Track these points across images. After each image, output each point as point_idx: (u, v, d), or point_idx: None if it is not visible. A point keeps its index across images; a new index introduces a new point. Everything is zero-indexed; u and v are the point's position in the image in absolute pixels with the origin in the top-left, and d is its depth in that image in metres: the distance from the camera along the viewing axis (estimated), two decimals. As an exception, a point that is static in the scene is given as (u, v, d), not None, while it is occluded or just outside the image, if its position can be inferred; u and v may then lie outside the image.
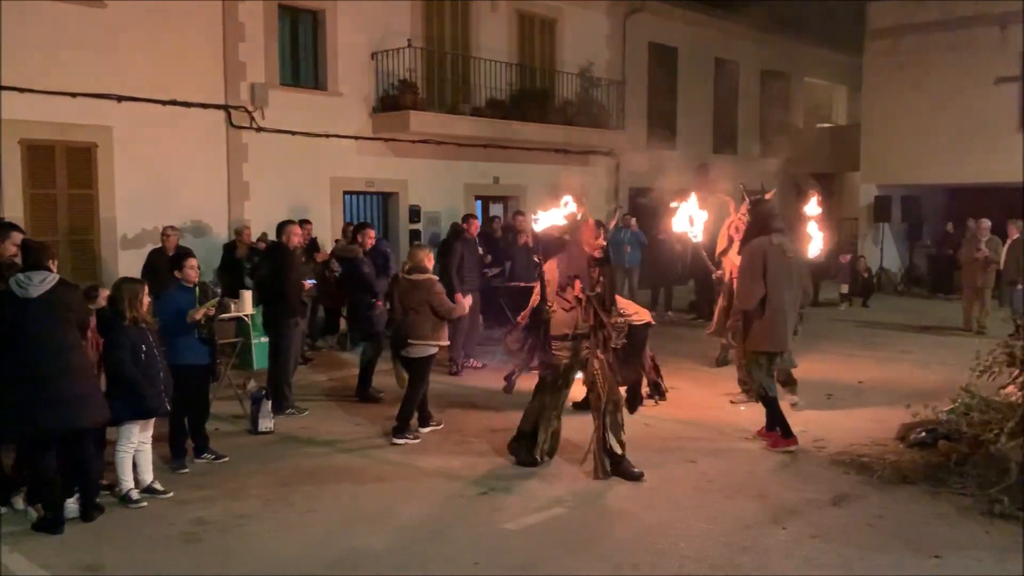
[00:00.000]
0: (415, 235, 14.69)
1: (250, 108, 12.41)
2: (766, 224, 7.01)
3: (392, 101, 13.69)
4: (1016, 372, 6.64)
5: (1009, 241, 12.42)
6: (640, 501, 5.66)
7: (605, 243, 6.17)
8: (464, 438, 7.31)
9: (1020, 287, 12.27)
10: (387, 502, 5.68)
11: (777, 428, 6.89)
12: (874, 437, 7.04)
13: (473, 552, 4.81)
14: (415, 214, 14.61)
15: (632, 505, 5.59)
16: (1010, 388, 6.51)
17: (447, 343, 7.77)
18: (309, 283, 8.81)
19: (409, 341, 7.25)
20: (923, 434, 6.65)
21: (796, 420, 7.52)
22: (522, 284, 10.77)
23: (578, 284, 6.03)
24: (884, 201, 19.45)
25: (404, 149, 14.24)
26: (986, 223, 12.86)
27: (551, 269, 6.20)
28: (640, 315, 7.44)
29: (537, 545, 4.92)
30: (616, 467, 6.11)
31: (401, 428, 7.22)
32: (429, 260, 7.52)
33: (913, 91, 18.73)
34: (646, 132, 18.74)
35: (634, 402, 6.93)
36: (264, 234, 11.68)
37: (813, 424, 7.52)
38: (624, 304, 7.00)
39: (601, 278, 6.14)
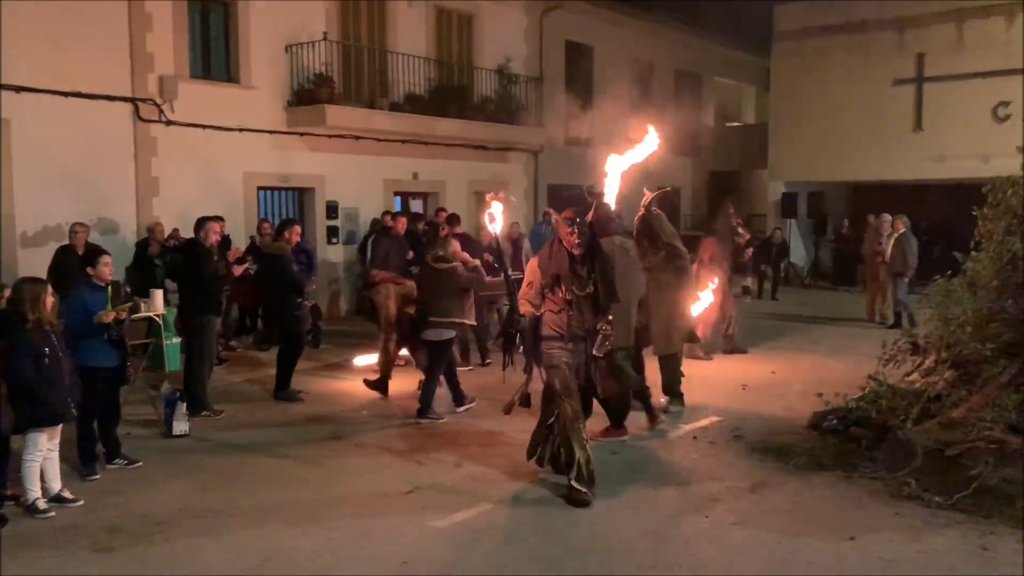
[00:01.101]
0: (332, 232, 14.47)
1: (159, 101, 11.99)
2: (606, 226, 6.98)
3: (308, 95, 13.43)
4: (919, 360, 6.97)
5: (895, 235, 13.01)
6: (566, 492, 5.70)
7: (579, 240, 5.54)
8: (389, 436, 7.23)
9: (906, 279, 12.88)
10: (311, 503, 5.57)
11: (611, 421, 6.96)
12: (789, 425, 7.27)
13: (401, 551, 4.76)
14: (332, 210, 14.39)
15: (556, 501, 5.62)
16: (914, 376, 6.84)
17: (472, 322, 8.26)
18: (241, 268, 8.44)
19: (430, 320, 7.65)
20: (835, 421, 6.90)
21: (716, 410, 7.73)
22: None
23: (563, 284, 5.60)
24: (790, 198, 20.13)
25: (320, 144, 13.99)
26: (887, 218, 13.46)
27: (532, 269, 5.81)
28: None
29: (466, 541, 4.90)
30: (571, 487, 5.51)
31: (423, 409, 7.68)
32: (458, 251, 8.01)
33: (817, 92, 19.43)
34: (564, 129, 18.91)
35: (620, 417, 6.63)
36: (176, 230, 11.31)
37: (730, 414, 7.73)
38: None
39: (592, 276, 5.62)
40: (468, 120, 15.60)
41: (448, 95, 15.59)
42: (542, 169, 18.45)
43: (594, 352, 5.63)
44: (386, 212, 12.56)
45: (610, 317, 5.68)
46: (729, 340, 10.92)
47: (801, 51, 19.92)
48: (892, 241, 13.04)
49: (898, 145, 18.53)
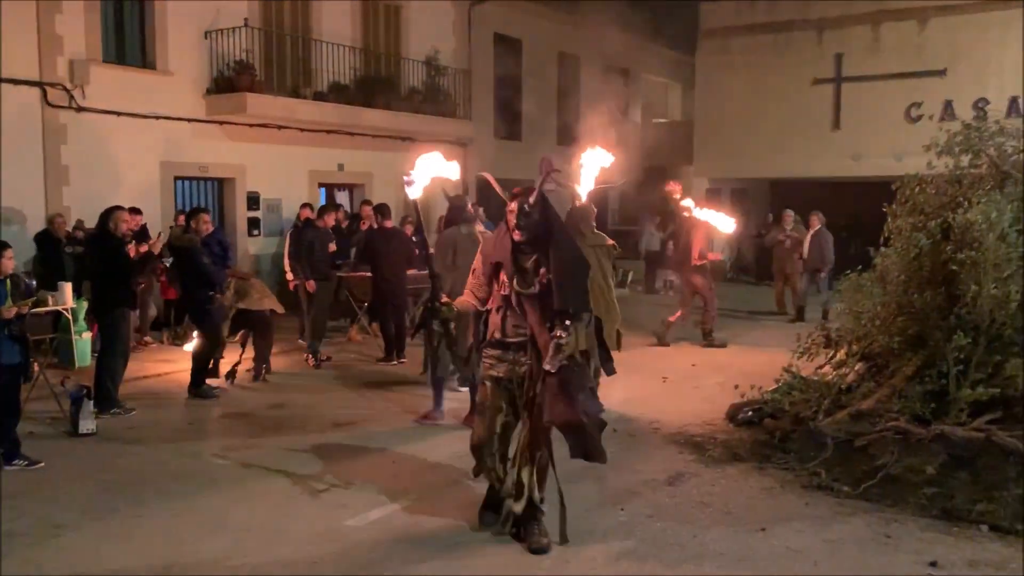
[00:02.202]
0: (254, 223, 14.14)
1: (69, 86, 11.51)
2: (455, 216, 7.50)
3: (228, 83, 13.08)
4: (832, 353, 7.15)
5: (811, 231, 13.38)
6: (483, 491, 5.65)
7: (518, 221, 4.45)
8: (305, 434, 7.09)
9: (823, 275, 13.27)
10: (222, 504, 5.41)
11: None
12: (706, 417, 7.38)
13: (313, 552, 4.66)
14: (254, 201, 14.07)
15: (477, 497, 5.58)
16: (826, 368, 7.01)
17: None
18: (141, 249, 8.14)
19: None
20: (750, 413, 7.04)
21: (636, 402, 7.80)
22: (365, 273, 10.60)
23: (502, 276, 4.53)
24: (715, 194, 20.50)
25: (241, 133, 13.64)
26: (789, 213, 13.87)
27: (478, 254, 4.80)
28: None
29: (380, 541, 4.82)
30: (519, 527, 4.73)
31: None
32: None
33: (741, 90, 19.81)
34: (493, 122, 18.87)
35: (596, 453, 4.58)
36: (80, 222, 10.88)
37: (649, 406, 7.81)
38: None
39: (541, 270, 4.44)
40: (395, 111, 15.43)
41: (375, 85, 15.39)
42: (472, 162, 18.33)
43: (544, 366, 4.29)
44: (305, 204, 12.34)
45: (567, 324, 4.29)
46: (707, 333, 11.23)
47: (725, 49, 20.28)
48: (809, 237, 13.40)
49: (818, 143, 19.04)
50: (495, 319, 4.59)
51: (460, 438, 6.80)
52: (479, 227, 5.23)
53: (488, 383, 4.64)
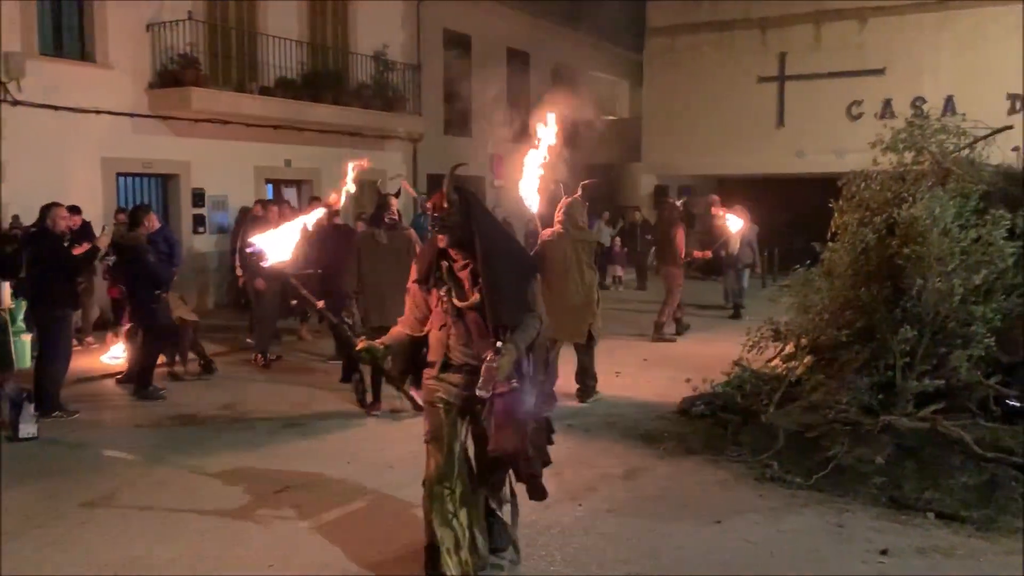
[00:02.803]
0: (199, 220, 13.86)
1: (3, 79, 11.11)
2: (376, 217, 7.71)
3: (171, 77, 12.78)
4: (781, 346, 7.28)
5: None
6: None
7: (435, 224, 3.90)
8: (256, 434, 6.97)
9: (746, 271, 13.52)
10: (174, 507, 5.28)
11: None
12: (659, 411, 7.45)
13: (268, 554, 4.57)
14: (199, 198, 13.78)
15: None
16: (776, 361, 7.13)
17: None
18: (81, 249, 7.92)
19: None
20: (702, 407, 7.12)
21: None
22: (312, 271, 10.45)
23: (434, 291, 3.98)
24: (662, 190, 20.75)
25: (186, 128, 13.34)
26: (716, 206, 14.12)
27: (413, 268, 4.14)
28: None
29: (336, 541, 4.76)
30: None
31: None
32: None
33: (688, 87, 20.08)
34: (442, 118, 18.79)
35: (535, 490, 4.01)
36: (15, 217, 10.53)
37: (603, 401, 7.86)
38: None
39: (478, 280, 3.82)
40: (343, 106, 15.25)
41: (322, 80, 15.19)
42: (422, 158, 18.26)
43: (477, 392, 3.72)
44: (258, 201, 12.14)
45: (499, 345, 3.69)
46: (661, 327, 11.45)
47: (672, 48, 20.52)
48: (737, 233, 13.62)
49: (762, 140, 19.39)
50: (437, 338, 3.99)
51: (416, 436, 6.76)
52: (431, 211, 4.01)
53: (439, 405, 4.00)
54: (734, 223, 11.67)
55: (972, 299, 5.83)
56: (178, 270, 8.83)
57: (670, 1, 20.76)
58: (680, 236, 11.46)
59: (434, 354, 4.02)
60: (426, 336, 4.06)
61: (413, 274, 4.05)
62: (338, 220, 10.10)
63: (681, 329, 11.80)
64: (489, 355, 3.70)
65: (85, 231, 10.41)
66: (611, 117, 26.28)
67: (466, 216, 3.83)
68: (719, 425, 6.76)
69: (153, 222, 8.43)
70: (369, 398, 7.52)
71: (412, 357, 4.14)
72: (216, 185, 13.94)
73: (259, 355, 9.70)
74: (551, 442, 4.10)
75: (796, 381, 6.67)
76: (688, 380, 7.45)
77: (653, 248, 14.35)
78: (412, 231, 8.10)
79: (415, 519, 5.03)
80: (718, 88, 19.69)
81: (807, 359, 6.91)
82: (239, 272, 10.21)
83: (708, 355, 9.78)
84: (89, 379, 8.90)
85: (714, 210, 12.58)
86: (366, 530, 4.93)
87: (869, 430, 5.65)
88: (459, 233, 3.83)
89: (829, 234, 7.16)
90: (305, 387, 8.68)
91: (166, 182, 13.64)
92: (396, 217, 7.75)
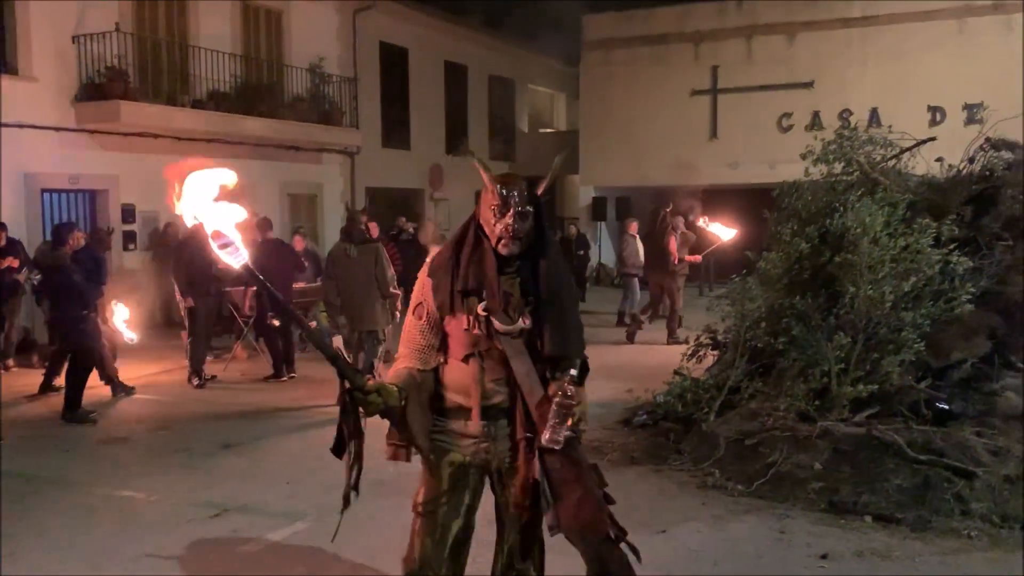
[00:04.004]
0: (129, 237, 13.47)
1: (-82, 91, 10.68)
2: (349, 231, 8.26)
3: (99, 90, 12.43)
4: (720, 354, 7.39)
5: (624, 236, 13.90)
6: (386, 505, 5.54)
7: (515, 224, 2.91)
8: (191, 456, 6.77)
9: (635, 279, 13.74)
10: (105, 536, 5.08)
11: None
12: (602, 421, 7.46)
13: (207, 580, 4.44)
14: (129, 214, 13.40)
15: (379, 512, 5.46)
16: (716, 369, 7.23)
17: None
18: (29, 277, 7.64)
19: None
20: (644, 416, 7.17)
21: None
22: (245, 288, 10.27)
23: (479, 308, 2.91)
24: (600, 202, 20.96)
25: (114, 142, 12.97)
26: (631, 222, 14.35)
27: (420, 286, 3.08)
28: None
29: (278, 564, 4.65)
30: None
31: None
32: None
33: (624, 100, 20.34)
34: (380, 131, 18.69)
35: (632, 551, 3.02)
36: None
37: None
38: None
39: (531, 298, 2.94)
40: (278, 120, 15.04)
41: (256, 93, 14.95)
42: (359, 171, 18.10)
43: (544, 440, 2.82)
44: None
45: (573, 373, 2.82)
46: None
47: (608, 61, 20.78)
48: (621, 242, 13.95)
49: (697, 152, 19.73)
50: (460, 374, 2.97)
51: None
52: (507, 214, 3.04)
53: (445, 470, 3.03)
54: (724, 232, 11.92)
55: (902, 305, 6.00)
56: (105, 288, 8.53)
57: (605, 15, 21.02)
58: (673, 243, 12.04)
59: (460, 393, 2.98)
60: (431, 372, 3.03)
61: (421, 293, 3.04)
62: (271, 234, 9.92)
63: (631, 334, 12.28)
64: (567, 388, 2.78)
65: (12, 248, 10.04)
66: (548, 129, 26.49)
67: (539, 222, 3.00)
68: (661, 434, 6.81)
69: (78, 240, 8.15)
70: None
71: (426, 402, 3.03)
72: (147, 200, 13.56)
73: (194, 375, 9.44)
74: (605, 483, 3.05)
75: (735, 388, 6.77)
76: (630, 390, 7.50)
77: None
78: (380, 245, 8.46)
79: (357, 540, 4.95)
80: (653, 101, 20.00)
81: (745, 366, 7.02)
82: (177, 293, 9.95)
83: (650, 364, 9.88)
84: (16, 403, 8.54)
85: (699, 218, 12.91)
86: (306, 554, 4.82)
87: (807, 436, 5.76)
88: (527, 241, 2.97)
89: (764, 244, 7.31)
90: (242, 407, 8.48)
91: (94, 197, 13.23)
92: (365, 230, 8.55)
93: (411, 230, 14.25)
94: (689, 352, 7.54)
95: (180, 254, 9.64)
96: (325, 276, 8.35)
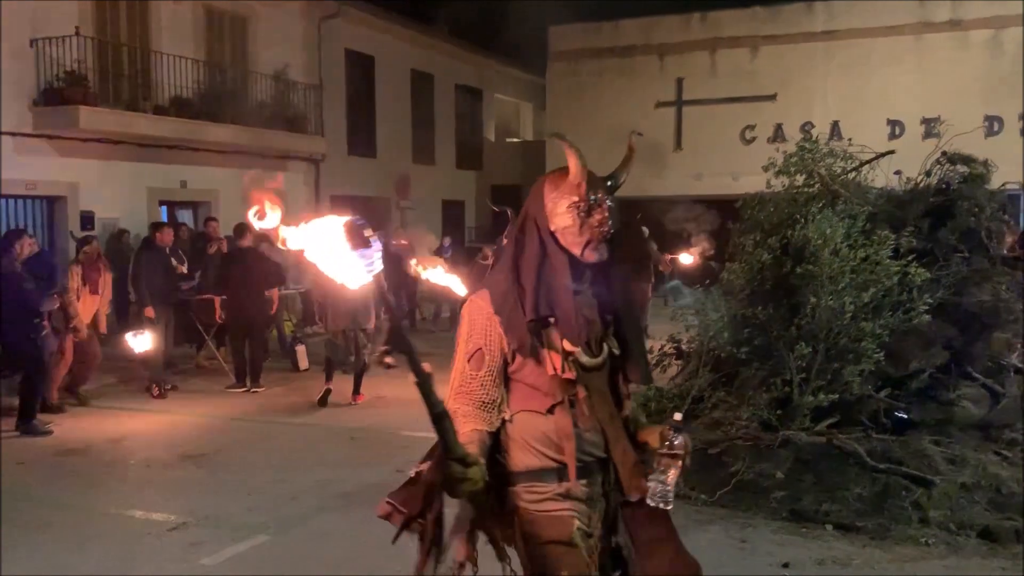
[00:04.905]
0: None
1: None
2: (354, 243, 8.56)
3: (57, 95, 12.20)
4: (684, 364, 7.43)
5: None
6: (347, 518, 5.49)
7: (604, 227, 2.44)
8: (150, 468, 6.65)
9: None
10: (60, 551, 4.96)
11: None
12: (568, 433, 7.46)
13: (165, 595, 4.36)
14: (88, 221, 13.14)
15: (339, 524, 5.41)
16: (680, 379, 7.26)
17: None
18: None
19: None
20: (610, 426, 7.17)
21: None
22: (211, 296, 10.14)
23: (565, 343, 2.36)
24: (568, 211, 21.02)
25: (73, 148, 12.74)
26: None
27: (474, 319, 2.42)
28: None
29: (238, 578, 4.57)
30: None
31: None
32: None
33: (590, 111, 20.45)
34: (346, 139, 18.60)
35: None
36: None
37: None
38: None
39: (611, 321, 2.48)
40: (242, 126, 14.88)
41: (220, 99, 14.78)
42: (324, 179, 17.98)
43: (648, 498, 2.33)
44: (154, 223, 11.66)
45: (677, 419, 2.38)
46: None
47: (575, 71, 20.89)
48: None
49: (662, 163, 19.89)
50: (544, 429, 2.38)
51: (319, 465, 6.60)
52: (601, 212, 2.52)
53: (578, 543, 2.39)
54: (685, 257, 12.39)
55: (862, 316, 6.07)
56: (57, 297, 8.31)
57: (571, 26, 21.15)
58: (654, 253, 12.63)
59: (545, 450, 2.38)
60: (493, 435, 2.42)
61: (475, 336, 2.38)
62: (247, 242, 9.80)
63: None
64: (668, 436, 2.32)
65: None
66: (515, 139, 26.56)
67: (618, 221, 2.48)
68: (626, 444, 6.80)
69: (28, 247, 7.92)
70: None
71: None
72: (107, 207, 13.35)
73: (154, 385, 9.28)
74: None
75: (699, 398, 6.80)
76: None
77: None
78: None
79: (319, 551, 4.89)
80: (619, 112, 20.13)
81: (709, 376, 7.06)
82: (132, 299, 9.80)
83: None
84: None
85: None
86: (270, 566, 4.75)
87: (769, 445, 5.80)
88: (608, 245, 2.44)
89: (727, 254, 7.37)
90: (202, 417, 8.36)
91: (52, 205, 12.98)
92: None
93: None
94: (653, 362, 7.57)
95: (139, 262, 9.49)
96: (313, 281, 8.93)
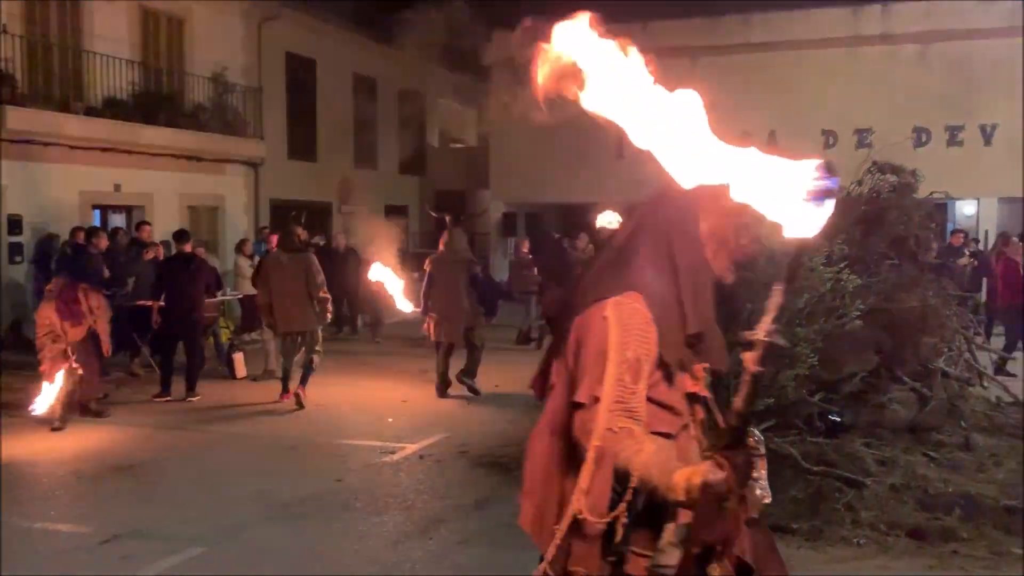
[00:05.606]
0: (15, 248, 12.79)
1: None
2: (284, 243, 8.97)
3: (-17, 94, 11.80)
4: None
5: (520, 254, 14.34)
6: (284, 530, 5.40)
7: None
8: (80, 480, 6.44)
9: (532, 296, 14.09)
10: (-20, 567, 4.78)
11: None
12: (513, 438, 7.44)
13: (93, 612, 4.22)
14: (16, 224, 12.72)
15: (276, 536, 5.31)
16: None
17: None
18: None
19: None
20: (552, 433, 7.19)
21: (442, 426, 7.81)
22: (148, 303, 9.89)
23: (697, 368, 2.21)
24: (510, 218, 21.07)
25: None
26: (523, 240, 14.73)
27: (638, 320, 2.08)
28: None
29: (172, 592, 4.46)
30: None
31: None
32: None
33: (534, 117, 20.54)
34: (286, 142, 18.35)
35: None
36: None
37: (457, 430, 7.81)
38: None
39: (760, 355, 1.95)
40: (179, 129, 14.58)
41: (156, 101, 14.48)
42: (263, 183, 17.71)
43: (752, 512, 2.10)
44: (78, 228, 11.33)
45: (755, 432, 2.18)
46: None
47: (517, 78, 20.96)
48: (510, 263, 14.33)
49: (604, 170, 20.07)
50: (681, 452, 2.11)
51: (256, 475, 6.48)
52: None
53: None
54: None
55: (796, 321, 6.20)
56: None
57: (515, 32, 21.22)
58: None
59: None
60: None
61: (636, 344, 2.05)
62: (188, 248, 9.58)
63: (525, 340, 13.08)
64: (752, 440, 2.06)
65: None
66: (459, 144, 26.53)
67: None
68: (568, 449, 6.83)
69: None
70: None
71: None
72: (36, 211, 12.92)
73: (92, 402, 8.96)
74: None
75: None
76: (538, 406, 7.51)
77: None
78: (311, 254, 9.03)
79: (256, 564, 4.79)
80: (562, 118, 20.26)
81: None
82: None
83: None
84: None
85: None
86: (204, 579, 4.64)
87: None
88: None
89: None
90: (135, 427, 8.13)
91: (-24, 208, 12.53)
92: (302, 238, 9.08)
93: (318, 242, 14.02)
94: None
95: (66, 268, 9.20)
96: (260, 283, 8.96)
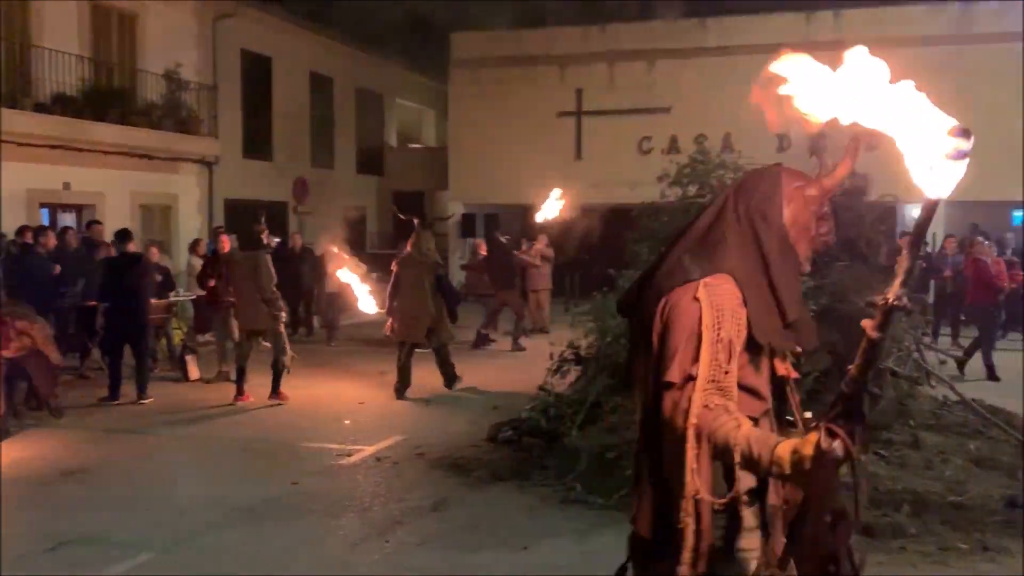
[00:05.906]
0: (-40, 248, 12.42)
1: None
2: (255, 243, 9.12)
3: (-75, 89, 11.45)
4: (582, 370, 7.53)
5: (477, 256, 14.62)
6: (240, 534, 5.32)
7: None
8: (29, 485, 6.28)
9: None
10: (-80, 576, 4.63)
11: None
12: (470, 439, 7.45)
13: (40, 620, 4.12)
14: (-40, 223, 12.35)
15: (231, 540, 5.24)
16: (579, 384, 7.36)
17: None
18: None
19: None
20: (509, 432, 7.20)
21: (399, 428, 7.77)
22: (94, 303, 9.68)
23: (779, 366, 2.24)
24: (469, 219, 21.04)
25: (-57, 146, 11.98)
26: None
27: (728, 308, 2.06)
28: None
29: (122, 599, 4.37)
30: None
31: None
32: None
33: (493, 119, 20.55)
34: (241, 141, 18.11)
35: None
36: None
37: (414, 432, 7.77)
38: None
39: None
40: (130, 126, 14.30)
41: (106, 98, 14.17)
42: (217, 182, 17.44)
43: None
44: (25, 227, 11.04)
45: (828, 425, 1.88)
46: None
47: (478, 80, 20.95)
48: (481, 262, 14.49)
49: (563, 172, 20.13)
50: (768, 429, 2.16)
51: (210, 478, 6.39)
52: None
53: None
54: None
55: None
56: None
57: (474, 33, 21.21)
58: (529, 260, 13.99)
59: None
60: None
61: (726, 325, 2.03)
62: (132, 247, 9.38)
63: (483, 342, 13.32)
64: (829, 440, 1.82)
65: None
66: (417, 145, 26.43)
67: None
68: (526, 450, 6.85)
69: None
70: None
71: None
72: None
73: (31, 396, 8.76)
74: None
75: (596, 403, 6.90)
76: (495, 407, 7.53)
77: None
78: (261, 253, 8.97)
79: (209, 569, 4.72)
80: (521, 121, 20.29)
81: (605, 381, 7.17)
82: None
83: (518, 380, 9.89)
84: None
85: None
86: (155, 585, 4.56)
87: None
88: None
89: (623, 262, 7.51)
90: (85, 430, 7.96)
91: (-82, 206, 12.15)
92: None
93: (272, 243, 13.84)
94: (553, 368, 7.65)
95: (14, 267, 8.98)
96: (231, 281, 9.14)
